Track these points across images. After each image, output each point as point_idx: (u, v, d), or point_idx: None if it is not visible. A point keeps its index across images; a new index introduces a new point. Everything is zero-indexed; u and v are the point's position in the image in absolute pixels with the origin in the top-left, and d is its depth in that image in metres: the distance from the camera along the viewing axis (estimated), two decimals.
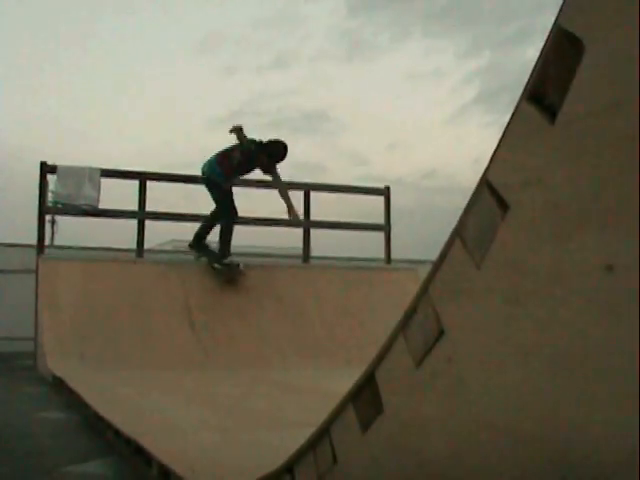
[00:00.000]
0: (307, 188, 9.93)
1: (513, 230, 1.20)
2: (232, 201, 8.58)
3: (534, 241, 1.17)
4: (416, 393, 1.45)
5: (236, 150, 8.35)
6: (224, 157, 8.38)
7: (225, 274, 8.42)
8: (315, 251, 11.15)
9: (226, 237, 8.47)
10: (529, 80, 1.19)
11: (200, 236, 8.67)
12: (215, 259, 8.51)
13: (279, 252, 14.92)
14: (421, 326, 1.41)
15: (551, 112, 1.13)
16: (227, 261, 8.46)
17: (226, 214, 8.47)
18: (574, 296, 1.10)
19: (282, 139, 8.52)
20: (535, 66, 1.18)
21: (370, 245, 11.52)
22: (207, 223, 8.68)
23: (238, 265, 8.49)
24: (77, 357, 7.02)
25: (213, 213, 8.61)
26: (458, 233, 1.33)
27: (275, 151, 8.45)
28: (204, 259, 8.62)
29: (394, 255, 10.33)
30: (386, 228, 10.27)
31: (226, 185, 8.42)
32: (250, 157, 8.31)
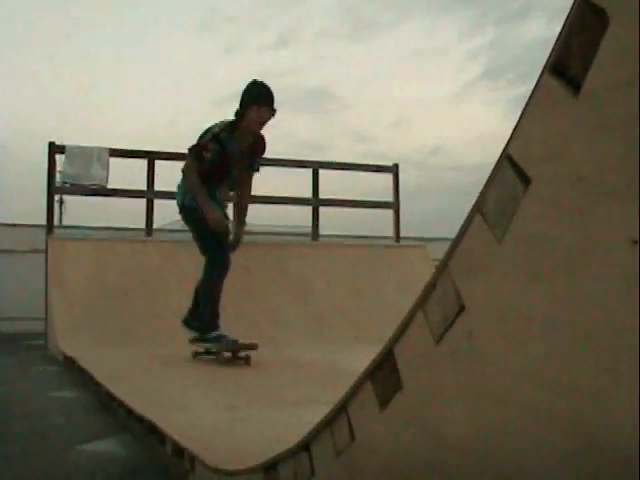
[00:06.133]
0: (316, 166, 9.93)
1: (535, 204, 1.19)
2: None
3: (557, 215, 1.15)
4: (436, 369, 1.44)
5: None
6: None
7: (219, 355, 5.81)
8: (324, 229, 11.15)
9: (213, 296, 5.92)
10: (552, 52, 1.17)
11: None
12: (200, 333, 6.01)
13: (288, 230, 14.94)
14: (440, 302, 1.40)
15: (575, 85, 1.12)
16: (217, 334, 5.88)
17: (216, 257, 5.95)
18: (597, 271, 1.08)
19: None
20: (558, 38, 1.16)
21: (378, 223, 11.51)
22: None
23: (236, 341, 5.83)
24: (88, 336, 7.06)
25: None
26: (478, 208, 1.32)
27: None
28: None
29: (402, 233, 10.32)
30: (395, 206, 10.26)
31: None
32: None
